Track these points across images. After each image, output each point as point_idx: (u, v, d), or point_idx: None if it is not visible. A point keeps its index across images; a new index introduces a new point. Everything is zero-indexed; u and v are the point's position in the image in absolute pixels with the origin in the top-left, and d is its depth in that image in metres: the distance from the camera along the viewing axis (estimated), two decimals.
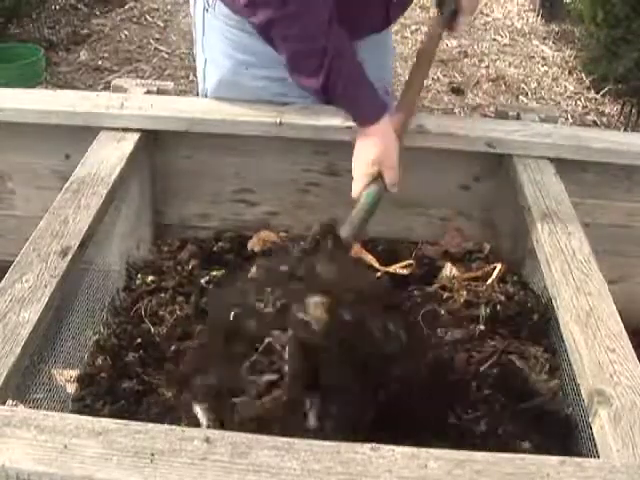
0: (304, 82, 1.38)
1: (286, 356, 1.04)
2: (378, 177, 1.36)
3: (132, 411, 1.22)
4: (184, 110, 1.60)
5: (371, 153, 1.35)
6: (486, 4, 5.24)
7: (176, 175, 1.70)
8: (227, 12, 1.53)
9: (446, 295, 1.52)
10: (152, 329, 1.41)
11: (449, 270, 1.59)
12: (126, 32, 4.60)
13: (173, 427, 0.90)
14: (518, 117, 1.68)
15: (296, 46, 1.35)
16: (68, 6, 4.71)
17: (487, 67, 4.35)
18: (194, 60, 1.75)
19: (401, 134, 1.42)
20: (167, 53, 4.37)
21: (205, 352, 1.20)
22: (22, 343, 1.03)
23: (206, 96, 1.70)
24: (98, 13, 4.83)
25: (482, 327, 1.43)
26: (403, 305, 1.47)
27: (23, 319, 1.07)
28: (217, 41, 1.60)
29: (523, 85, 4.15)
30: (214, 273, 1.57)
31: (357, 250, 1.64)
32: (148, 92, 1.69)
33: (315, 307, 1.07)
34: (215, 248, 1.67)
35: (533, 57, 4.51)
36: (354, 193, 1.37)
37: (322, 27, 1.32)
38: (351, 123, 1.55)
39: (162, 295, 1.50)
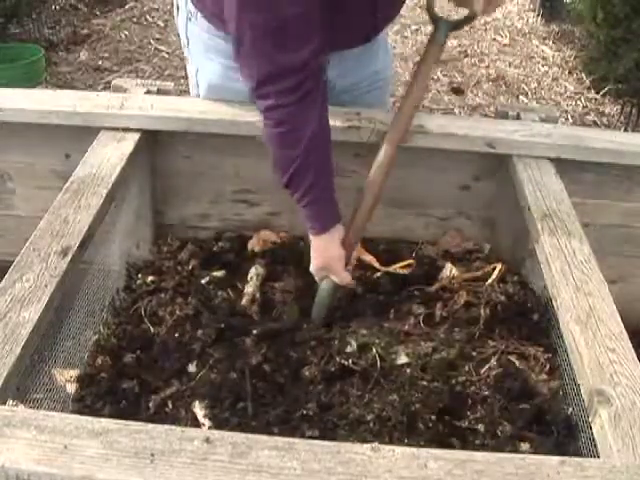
0: (274, 167, 1.42)
1: None
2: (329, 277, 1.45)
3: (132, 411, 1.22)
4: (184, 110, 1.60)
5: (318, 261, 1.44)
6: None
7: (176, 175, 1.70)
8: (205, 23, 1.53)
9: (446, 295, 1.52)
10: (152, 329, 1.41)
11: (449, 270, 1.59)
12: (126, 32, 4.60)
13: (173, 427, 0.90)
14: (518, 117, 1.68)
15: (275, 141, 1.38)
16: (68, 6, 4.71)
17: (487, 67, 4.35)
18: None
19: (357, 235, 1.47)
20: (167, 53, 4.37)
21: None
22: (22, 343, 1.03)
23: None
24: (98, 13, 4.83)
25: (482, 327, 1.43)
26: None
27: (23, 319, 1.07)
28: (202, 49, 1.60)
29: (523, 85, 4.15)
30: (214, 273, 1.57)
31: (357, 250, 1.64)
32: (148, 92, 1.69)
33: None
34: (215, 248, 1.67)
35: (533, 57, 4.51)
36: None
37: (304, 141, 1.34)
38: (350, 123, 1.55)
39: (162, 295, 1.49)
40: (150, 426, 0.89)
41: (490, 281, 1.55)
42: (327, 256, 1.43)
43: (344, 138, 1.56)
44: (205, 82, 1.64)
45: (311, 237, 1.43)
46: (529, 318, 1.46)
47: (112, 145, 1.51)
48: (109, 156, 1.47)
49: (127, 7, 4.97)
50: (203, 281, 1.54)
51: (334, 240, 1.42)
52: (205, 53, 1.59)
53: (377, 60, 1.69)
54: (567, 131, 1.69)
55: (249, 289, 1.51)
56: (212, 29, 1.52)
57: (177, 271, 1.58)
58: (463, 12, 1.41)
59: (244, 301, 1.47)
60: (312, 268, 1.46)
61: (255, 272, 1.56)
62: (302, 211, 1.42)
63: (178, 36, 1.72)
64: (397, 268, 1.58)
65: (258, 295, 1.50)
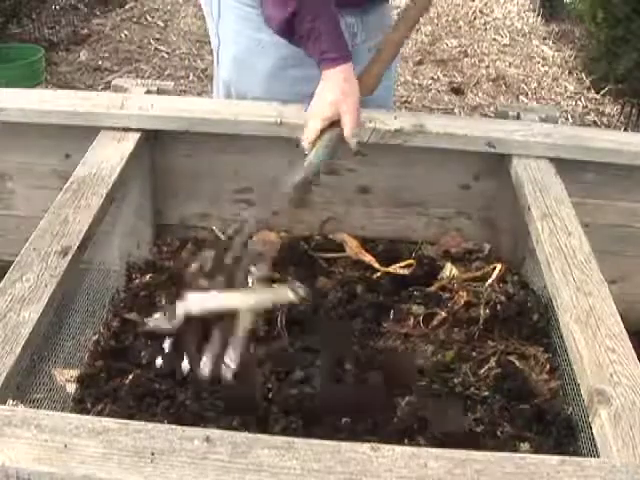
0: (271, 11, 1.37)
1: None
2: (335, 124, 1.31)
3: (132, 411, 1.22)
4: (184, 110, 1.60)
5: (330, 94, 1.31)
6: (486, 4, 5.24)
7: (176, 175, 1.70)
8: None
9: (446, 295, 1.52)
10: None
11: (449, 270, 1.59)
12: (126, 32, 4.60)
13: (173, 427, 0.90)
14: (518, 117, 1.68)
15: None
16: (68, 6, 4.71)
17: (487, 67, 4.35)
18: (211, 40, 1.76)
19: (372, 84, 1.39)
20: (167, 53, 4.37)
21: None
22: (22, 343, 1.03)
23: (219, 81, 1.72)
24: (98, 13, 4.84)
25: (482, 327, 1.43)
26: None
27: (23, 319, 1.07)
28: (232, 22, 1.62)
29: (523, 85, 4.15)
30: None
31: (357, 250, 1.64)
32: (148, 92, 1.69)
33: None
34: None
35: (533, 57, 4.51)
36: (305, 138, 1.31)
37: None
38: None
39: (162, 295, 1.49)
40: (150, 425, 0.89)
41: (490, 281, 1.55)
42: (344, 88, 1.30)
43: None
44: (230, 57, 1.65)
45: (325, 71, 1.33)
46: (529, 318, 1.46)
47: (112, 145, 1.51)
48: (109, 156, 1.47)
49: (127, 7, 4.98)
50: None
51: (351, 73, 1.33)
52: (234, 26, 1.61)
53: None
54: (567, 131, 1.69)
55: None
56: None
57: (177, 271, 1.57)
58: None
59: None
60: (318, 110, 1.30)
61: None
62: (312, 46, 1.34)
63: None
64: (397, 268, 1.58)
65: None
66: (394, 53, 1.40)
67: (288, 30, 1.38)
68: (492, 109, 3.76)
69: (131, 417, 1.14)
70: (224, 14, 1.64)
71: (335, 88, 1.31)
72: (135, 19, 4.82)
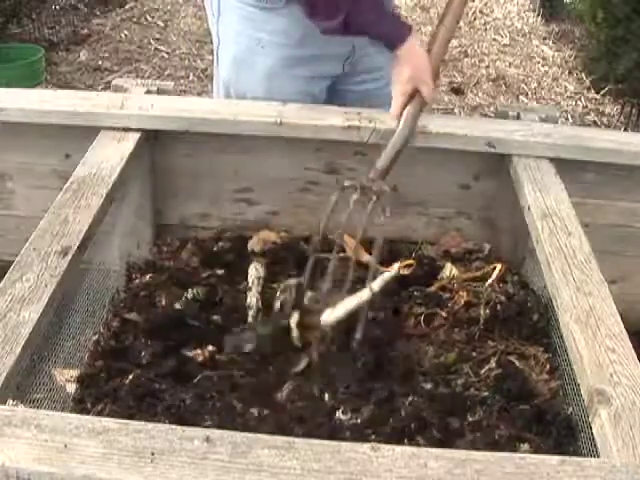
0: (326, 23, 1.44)
1: None
2: (415, 94, 1.46)
3: (132, 411, 1.22)
4: (184, 110, 1.60)
5: (405, 72, 1.44)
6: (486, 4, 5.24)
7: (176, 175, 1.70)
8: None
9: (446, 295, 1.52)
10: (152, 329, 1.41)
11: (449, 270, 1.59)
12: (126, 32, 4.61)
13: (173, 427, 0.90)
14: (518, 117, 1.68)
15: None
16: (68, 6, 4.71)
17: (487, 67, 4.35)
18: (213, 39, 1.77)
19: (438, 49, 1.50)
20: (167, 53, 4.37)
21: None
22: (22, 343, 1.03)
23: (219, 80, 1.72)
24: (98, 13, 4.84)
25: (482, 327, 1.43)
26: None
27: (23, 319, 1.07)
28: (233, 21, 1.63)
29: (523, 85, 4.15)
30: (214, 272, 1.57)
31: (357, 250, 1.64)
32: (148, 92, 1.69)
33: None
34: (215, 248, 1.67)
35: (533, 57, 4.51)
36: (393, 110, 1.49)
37: None
38: (350, 123, 1.55)
39: (161, 295, 1.49)
40: (150, 425, 0.89)
41: (490, 281, 1.55)
42: (418, 61, 1.44)
43: (344, 138, 1.56)
44: (229, 56, 1.66)
45: (397, 50, 1.45)
46: (529, 318, 1.46)
47: (112, 145, 1.51)
48: (109, 156, 1.47)
49: (127, 7, 4.98)
50: (203, 281, 1.54)
51: (417, 44, 1.45)
52: (235, 25, 1.62)
53: None
54: (567, 131, 1.69)
55: (252, 299, 1.49)
56: None
57: (177, 271, 1.58)
58: None
59: (250, 317, 1.45)
60: (398, 89, 1.45)
61: (256, 275, 1.55)
62: (375, 34, 1.46)
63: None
64: (397, 268, 1.58)
65: (260, 304, 1.49)
66: (456, 18, 1.50)
67: (348, 32, 1.46)
68: (492, 109, 3.76)
69: (131, 417, 1.14)
70: (224, 13, 1.65)
71: (407, 65, 1.45)
72: (135, 19, 4.82)
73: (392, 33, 1.46)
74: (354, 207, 1.33)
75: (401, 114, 1.48)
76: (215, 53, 1.73)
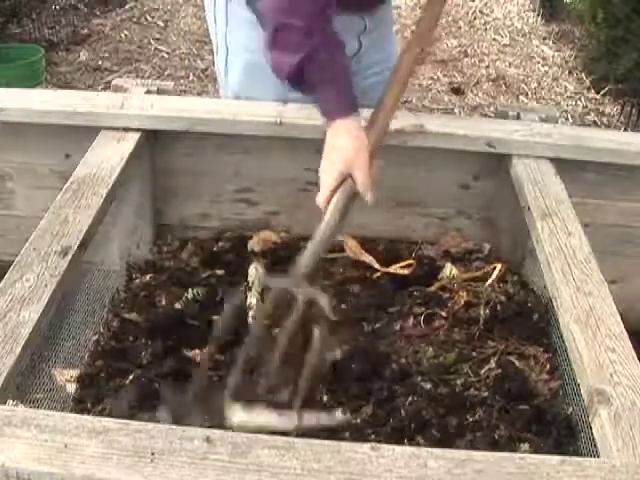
0: (280, 57, 1.33)
1: None
2: (347, 180, 1.26)
3: (132, 411, 1.22)
4: (184, 110, 1.60)
5: (339, 151, 1.27)
6: (486, 4, 5.24)
7: (176, 175, 1.70)
8: None
9: (446, 295, 1.52)
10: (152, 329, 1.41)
11: (449, 270, 1.59)
12: (126, 32, 4.60)
13: (173, 427, 0.90)
14: (518, 117, 1.68)
15: (286, 19, 1.30)
16: (68, 6, 4.71)
17: (487, 67, 4.35)
18: (213, 51, 1.75)
19: (374, 145, 1.31)
20: (167, 53, 4.37)
21: None
22: (22, 343, 1.03)
23: (228, 89, 1.72)
24: (98, 13, 4.83)
25: (482, 327, 1.43)
26: None
27: (23, 319, 1.07)
28: (242, 29, 1.61)
29: (523, 85, 4.15)
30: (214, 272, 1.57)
31: (357, 250, 1.64)
32: (148, 92, 1.69)
33: None
34: (215, 248, 1.67)
35: (533, 57, 4.51)
36: (319, 200, 1.26)
37: (314, 11, 1.29)
38: None
39: (161, 295, 1.50)
40: (150, 425, 0.89)
41: (490, 281, 1.55)
42: (354, 142, 1.25)
43: None
44: (240, 65, 1.64)
45: (331, 125, 1.29)
46: (529, 318, 1.46)
47: (112, 145, 1.51)
48: (109, 156, 1.47)
49: (127, 7, 4.97)
50: (203, 281, 1.54)
51: (359, 125, 1.28)
52: (246, 33, 1.60)
53: (392, 40, 1.71)
54: (567, 131, 1.69)
55: (252, 300, 1.49)
56: (253, 2, 1.54)
57: (177, 271, 1.58)
58: None
59: (250, 318, 1.46)
60: (329, 170, 1.25)
61: (256, 275, 1.55)
62: (321, 95, 1.31)
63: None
64: (397, 268, 1.58)
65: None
66: (403, 86, 1.36)
67: (297, 77, 1.33)
68: (492, 109, 3.76)
69: (131, 417, 1.14)
70: (232, 22, 1.63)
71: (345, 143, 1.27)
72: (135, 19, 4.82)
73: (339, 103, 1.31)
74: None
75: (329, 202, 1.24)
76: (223, 62, 1.70)
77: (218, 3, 1.65)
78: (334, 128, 1.30)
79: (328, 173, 1.27)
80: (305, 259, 1.19)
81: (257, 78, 1.62)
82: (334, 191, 1.25)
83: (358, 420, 1.22)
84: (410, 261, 1.60)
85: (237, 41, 1.64)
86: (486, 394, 1.29)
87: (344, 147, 1.26)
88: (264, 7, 1.38)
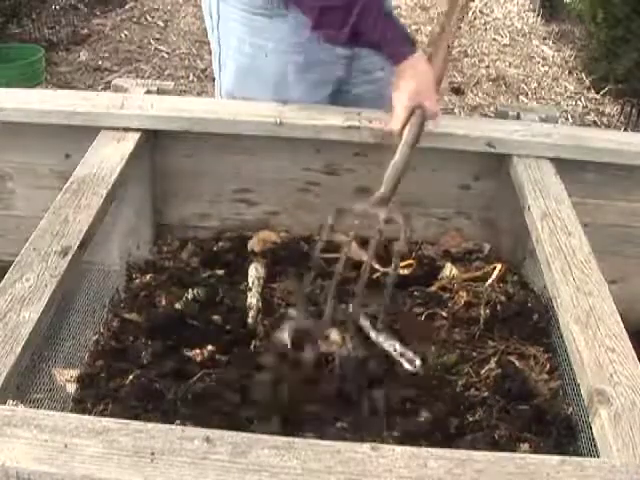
0: (331, 34, 1.45)
1: None
2: (418, 109, 1.42)
3: (132, 411, 1.22)
4: (184, 110, 1.60)
5: (409, 86, 1.41)
6: (486, 4, 5.24)
7: (176, 175, 1.70)
8: None
9: (446, 295, 1.52)
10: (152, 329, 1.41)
11: (449, 270, 1.59)
12: (126, 32, 4.61)
13: (173, 427, 0.90)
14: (518, 117, 1.68)
15: (324, 2, 1.41)
16: (68, 6, 4.71)
17: (487, 67, 4.35)
18: (211, 46, 1.75)
19: (441, 61, 1.49)
20: (167, 53, 4.37)
21: None
22: (22, 343, 1.03)
23: (221, 89, 1.71)
24: (98, 13, 4.84)
25: (482, 327, 1.43)
26: None
27: (23, 318, 1.07)
28: (234, 29, 1.61)
29: (523, 85, 4.15)
30: (214, 272, 1.57)
31: (356, 250, 1.64)
32: (148, 92, 1.69)
33: None
34: (215, 248, 1.67)
35: (533, 57, 4.51)
36: (395, 125, 1.43)
37: None
38: (351, 123, 1.55)
39: (161, 295, 1.49)
40: (150, 425, 0.89)
41: (490, 281, 1.55)
42: (422, 76, 1.42)
43: (344, 138, 1.56)
44: (233, 65, 1.65)
45: (400, 65, 1.43)
46: (529, 318, 1.46)
47: (112, 145, 1.51)
48: (109, 156, 1.47)
49: (127, 7, 4.98)
50: (203, 281, 1.54)
51: (423, 60, 1.43)
52: (237, 34, 1.61)
53: None
54: (567, 131, 1.69)
55: (252, 299, 1.50)
56: (246, 1, 1.55)
57: (177, 271, 1.58)
58: None
59: (250, 318, 1.46)
60: (401, 102, 1.41)
61: (256, 275, 1.55)
62: (381, 48, 1.45)
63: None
64: None
65: (261, 304, 1.49)
66: (457, 23, 1.49)
67: (352, 43, 1.47)
68: (492, 109, 3.76)
69: (131, 417, 1.14)
70: (224, 19, 1.63)
71: (412, 79, 1.42)
72: (135, 19, 4.82)
73: (397, 48, 1.45)
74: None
75: (403, 130, 1.42)
76: (217, 61, 1.71)
77: (212, 3, 1.65)
78: (402, 67, 1.43)
79: (401, 105, 1.42)
80: (387, 181, 1.35)
81: (249, 80, 1.63)
82: (406, 121, 1.41)
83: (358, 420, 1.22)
84: (410, 261, 1.60)
85: (229, 42, 1.64)
86: (486, 394, 1.29)
87: (413, 82, 1.41)
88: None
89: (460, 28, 1.52)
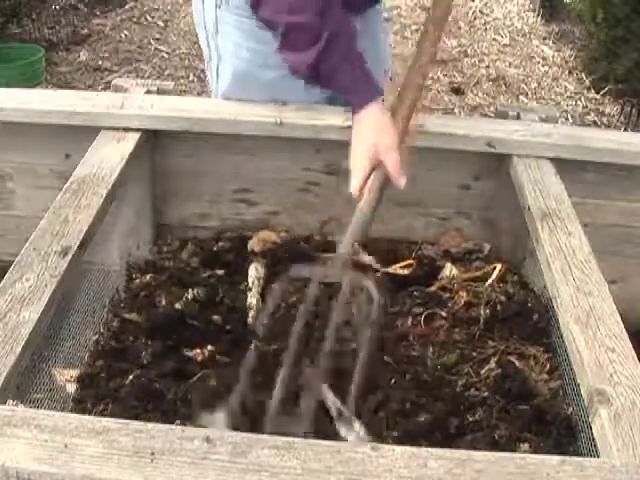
0: (295, 58, 1.36)
1: None
2: (379, 168, 1.30)
3: (132, 411, 1.22)
4: (184, 110, 1.60)
5: (368, 137, 1.29)
6: (486, 4, 5.24)
7: (176, 175, 1.70)
8: (240, 3, 1.54)
9: (446, 295, 1.52)
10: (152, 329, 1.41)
11: (449, 270, 1.59)
12: (126, 32, 4.61)
13: (173, 427, 0.90)
14: (518, 117, 1.68)
15: (291, 18, 1.33)
16: (68, 6, 4.71)
17: (487, 67, 4.35)
18: (204, 57, 1.75)
19: (403, 129, 1.35)
20: (167, 53, 4.37)
21: None
22: (22, 343, 1.03)
23: (218, 95, 1.71)
24: (98, 13, 4.84)
25: (482, 327, 1.43)
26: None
27: (23, 319, 1.07)
28: (232, 35, 1.60)
29: (523, 85, 4.15)
30: (214, 272, 1.57)
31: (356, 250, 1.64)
32: (148, 92, 1.69)
33: None
34: (215, 248, 1.67)
35: (533, 57, 4.51)
36: (353, 188, 1.30)
37: (318, 3, 1.31)
38: (350, 123, 1.55)
39: (162, 295, 1.49)
40: (150, 425, 0.89)
41: (490, 281, 1.55)
42: (381, 127, 1.28)
43: (344, 138, 1.56)
44: (229, 72, 1.64)
45: (357, 114, 1.32)
46: (529, 318, 1.46)
47: (112, 145, 1.51)
48: (109, 156, 1.47)
49: (127, 7, 4.98)
50: (203, 281, 1.54)
51: (383, 110, 1.30)
52: (235, 40, 1.60)
53: (380, 42, 1.72)
54: (567, 131, 1.69)
55: (252, 299, 1.50)
56: (244, 7, 1.53)
57: (177, 271, 1.58)
58: None
59: (250, 318, 1.46)
60: (360, 157, 1.27)
61: (256, 275, 1.55)
62: (341, 88, 1.35)
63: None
64: (397, 268, 1.58)
65: (260, 304, 1.49)
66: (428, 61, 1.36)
67: (315, 73, 1.37)
68: (492, 109, 3.76)
69: (131, 417, 1.14)
70: (223, 28, 1.63)
71: (372, 129, 1.30)
72: (135, 19, 4.82)
73: (361, 90, 1.34)
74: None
75: (362, 191, 1.29)
76: (214, 68, 1.69)
77: (207, 10, 1.64)
78: (360, 117, 1.32)
79: (359, 162, 1.29)
80: (345, 246, 1.24)
81: (247, 85, 1.62)
82: (366, 178, 1.28)
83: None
84: (410, 261, 1.60)
85: (227, 48, 1.63)
86: (486, 394, 1.29)
87: (372, 135, 1.28)
88: (268, 12, 1.38)
89: (427, 74, 1.36)
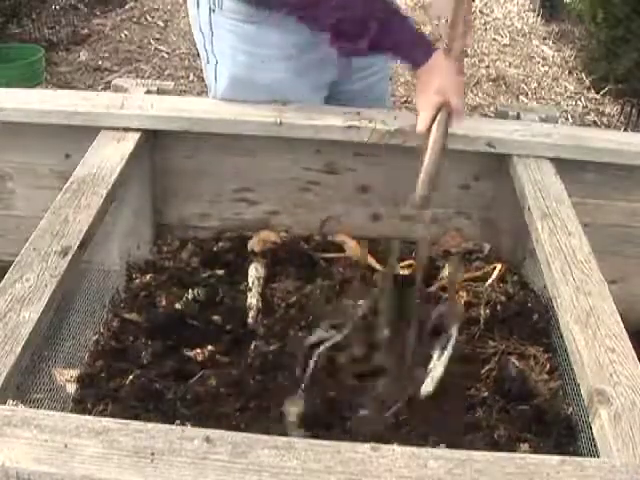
0: (350, 47, 1.45)
1: None
2: (443, 108, 1.41)
3: (132, 411, 1.22)
4: (184, 110, 1.60)
5: (433, 84, 1.41)
6: (486, 4, 5.24)
7: (176, 175, 1.70)
8: (235, 7, 1.54)
9: (446, 295, 1.52)
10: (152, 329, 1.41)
11: (449, 270, 1.59)
12: (126, 32, 4.60)
13: (173, 427, 0.90)
14: (518, 117, 1.68)
15: (338, 14, 1.41)
16: (68, 6, 4.70)
17: (487, 67, 4.35)
18: (202, 60, 1.74)
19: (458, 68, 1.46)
20: (167, 53, 4.37)
21: None
22: (22, 343, 1.03)
23: (216, 97, 1.71)
24: (98, 13, 4.83)
25: (482, 327, 1.43)
26: None
27: (23, 319, 1.07)
28: (228, 39, 1.60)
29: (523, 85, 4.15)
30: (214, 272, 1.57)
31: (356, 250, 1.64)
32: (148, 92, 1.69)
33: None
34: (215, 248, 1.67)
35: (533, 57, 4.51)
36: (420, 126, 1.42)
37: None
38: (351, 123, 1.55)
39: (162, 295, 1.49)
40: (150, 425, 0.89)
41: (490, 281, 1.55)
42: (444, 73, 1.41)
43: (344, 138, 1.56)
44: (227, 75, 1.64)
45: (423, 67, 1.43)
46: (529, 318, 1.46)
47: (112, 145, 1.51)
48: (109, 156, 1.47)
49: (127, 7, 4.97)
50: (203, 281, 1.54)
51: (442, 58, 1.42)
52: (231, 43, 1.60)
53: None
54: (567, 131, 1.69)
55: (252, 299, 1.50)
56: (239, 11, 1.54)
57: (177, 271, 1.58)
58: None
59: (250, 318, 1.46)
60: (426, 100, 1.40)
61: (256, 275, 1.55)
62: (400, 56, 1.47)
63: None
64: (397, 268, 1.58)
65: (261, 304, 1.49)
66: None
67: (370, 52, 1.45)
68: (492, 109, 3.76)
69: (131, 417, 1.14)
70: (218, 32, 1.63)
71: (434, 78, 1.41)
72: (135, 19, 4.82)
73: (416, 53, 1.45)
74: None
75: (429, 129, 1.40)
76: (212, 71, 1.69)
77: (202, 15, 1.64)
78: (427, 67, 1.43)
79: (426, 105, 1.41)
80: (421, 184, 1.35)
81: (245, 88, 1.62)
82: (434, 118, 1.40)
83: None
84: (410, 261, 1.60)
85: (223, 52, 1.63)
86: (486, 394, 1.29)
87: (439, 80, 1.41)
88: (315, 11, 1.43)
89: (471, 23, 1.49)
